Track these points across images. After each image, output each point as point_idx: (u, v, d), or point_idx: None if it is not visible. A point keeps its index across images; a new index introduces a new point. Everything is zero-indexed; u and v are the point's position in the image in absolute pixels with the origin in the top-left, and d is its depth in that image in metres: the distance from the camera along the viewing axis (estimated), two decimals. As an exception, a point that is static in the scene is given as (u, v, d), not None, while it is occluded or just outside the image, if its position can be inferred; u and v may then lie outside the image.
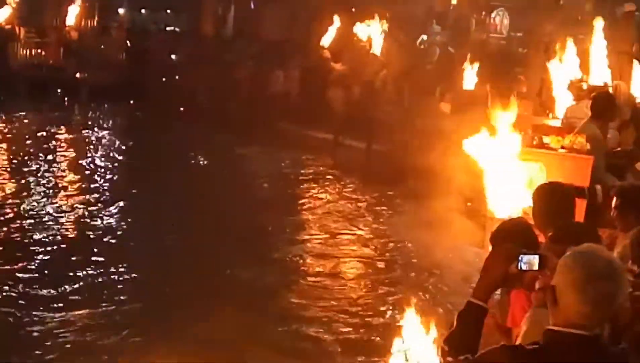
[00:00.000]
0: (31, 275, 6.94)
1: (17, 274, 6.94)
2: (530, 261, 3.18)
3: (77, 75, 16.51)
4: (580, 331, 2.82)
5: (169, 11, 21.77)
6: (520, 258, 3.17)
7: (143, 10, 21.99)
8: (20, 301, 6.45)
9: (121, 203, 9.19)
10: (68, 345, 5.79)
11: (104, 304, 6.49)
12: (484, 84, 12.12)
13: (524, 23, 14.58)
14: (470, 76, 12.50)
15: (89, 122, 14.37)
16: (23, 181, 9.90)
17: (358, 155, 12.38)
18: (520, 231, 4.55)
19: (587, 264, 2.85)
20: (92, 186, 10.00)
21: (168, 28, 21.12)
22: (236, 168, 11.10)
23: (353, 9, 17.12)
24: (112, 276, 7.02)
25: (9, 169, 10.53)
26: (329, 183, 11.13)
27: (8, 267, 7.12)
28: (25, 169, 10.54)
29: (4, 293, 6.56)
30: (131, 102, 15.45)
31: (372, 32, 15.74)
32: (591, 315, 2.83)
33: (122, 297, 6.61)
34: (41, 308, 6.29)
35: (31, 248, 7.61)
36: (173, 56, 17.36)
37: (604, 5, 15.09)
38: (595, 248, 2.95)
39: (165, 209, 8.85)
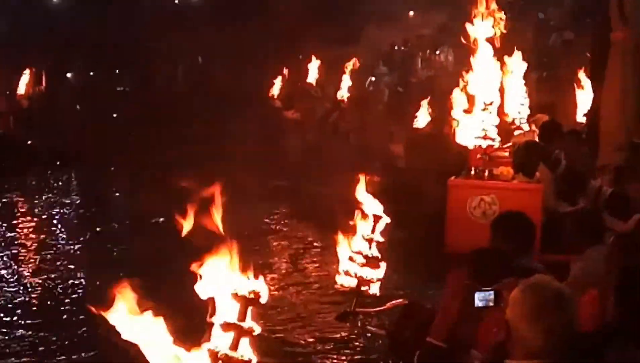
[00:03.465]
0: None
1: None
2: (486, 298, 3.23)
3: (29, 142, 16.43)
4: (537, 362, 2.89)
5: (117, 71, 21.85)
6: (476, 295, 3.22)
7: (92, 73, 22.02)
8: None
9: (80, 273, 9.10)
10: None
11: None
12: (436, 122, 12.32)
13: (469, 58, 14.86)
14: (422, 115, 12.69)
15: (43, 188, 14.26)
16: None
17: (316, 200, 12.40)
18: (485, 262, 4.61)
19: (537, 295, 2.93)
20: (50, 252, 9.88)
21: (118, 88, 21.15)
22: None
23: (300, 56, 17.37)
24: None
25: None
26: (286, 229, 11.12)
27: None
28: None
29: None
30: (85, 166, 15.41)
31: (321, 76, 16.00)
32: (546, 345, 2.90)
33: None
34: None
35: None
36: (114, 115, 17.46)
37: (543, 35, 15.51)
38: (544, 280, 3.04)
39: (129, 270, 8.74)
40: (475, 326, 3.65)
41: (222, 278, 3.64)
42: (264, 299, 3.61)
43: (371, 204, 7.42)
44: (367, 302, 7.28)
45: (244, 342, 3.57)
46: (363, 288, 7.32)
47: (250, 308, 3.56)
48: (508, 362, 2.97)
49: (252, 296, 3.57)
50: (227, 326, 3.53)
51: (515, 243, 5.16)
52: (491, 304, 3.21)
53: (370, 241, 7.34)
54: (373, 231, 7.36)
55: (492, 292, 3.20)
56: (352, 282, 7.41)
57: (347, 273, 7.50)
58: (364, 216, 7.43)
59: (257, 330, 3.58)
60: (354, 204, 7.58)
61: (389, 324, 6.39)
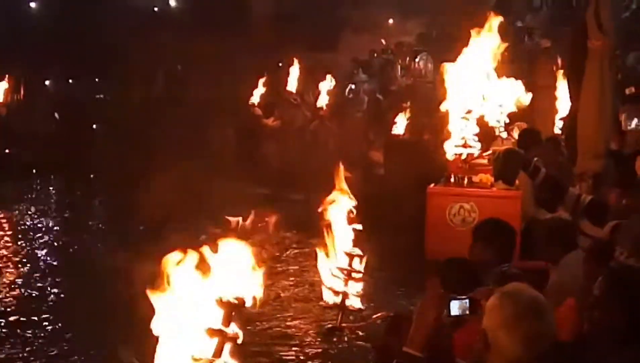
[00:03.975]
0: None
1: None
2: (462, 306, 3.21)
3: (7, 151, 16.31)
4: (516, 370, 2.88)
5: (97, 80, 21.74)
6: (451, 304, 3.20)
7: (70, 80, 21.90)
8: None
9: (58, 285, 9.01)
10: None
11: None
12: (415, 129, 12.34)
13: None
14: (400, 122, 12.71)
15: (22, 197, 14.16)
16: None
17: (297, 207, 12.37)
18: (462, 272, 4.61)
19: (513, 303, 2.93)
20: (27, 265, 9.78)
21: (97, 96, 21.05)
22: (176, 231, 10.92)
23: (279, 64, 17.38)
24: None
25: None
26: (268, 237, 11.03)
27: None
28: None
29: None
30: (63, 176, 15.34)
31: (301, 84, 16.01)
32: (523, 353, 2.90)
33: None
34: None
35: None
36: (94, 126, 17.43)
37: (521, 42, 15.60)
38: (520, 287, 3.04)
39: (102, 279, 8.65)
40: (452, 335, 3.64)
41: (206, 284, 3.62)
42: (250, 303, 3.58)
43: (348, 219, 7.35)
44: (352, 317, 7.26)
45: (228, 348, 3.55)
46: (347, 303, 7.26)
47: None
48: (485, 372, 2.97)
49: (236, 302, 3.54)
50: (211, 332, 3.51)
51: (495, 249, 5.19)
52: (467, 312, 3.20)
53: (350, 255, 7.28)
54: (353, 245, 7.30)
55: (467, 300, 3.19)
56: (336, 298, 7.34)
57: (330, 289, 7.41)
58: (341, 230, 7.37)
59: (241, 336, 3.56)
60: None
61: (375, 337, 6.37)
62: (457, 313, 3.18)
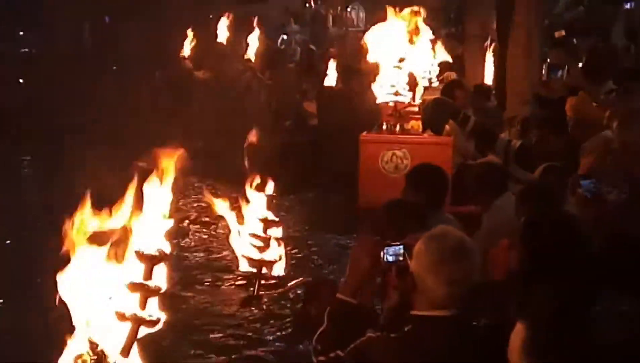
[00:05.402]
0: None
1: None
2: (396, 253, 3.22)
3: None
4: (441, 312, 2.93)
5: (22, 33, 21.11)
6: (385, 250, 3.21)
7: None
8: None
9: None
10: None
11: None
12: (347, 79, 12.29)
13: (380, 15, 14.89)
14: (332, 72, 12.66)
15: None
16: None
17: (233, 161, 12.23)
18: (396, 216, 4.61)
19: (439, 246, 2.96)
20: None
21: (23, 50, 20.47)
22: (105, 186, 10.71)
23: (210, 16, 17.10)
24: None
25: None
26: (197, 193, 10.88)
27: None
28: None
29: None
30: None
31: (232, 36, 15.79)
32: (448, 296, 2.95)
33: None
34: None
35: None
36: (21, 80, 16.96)
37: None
38: (445, 230, 3.07)
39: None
40: (385, 281, 3.67)
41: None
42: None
43: (262, 183, 7.02)
44: (270, 284, 6.88)
45: (152, 301, 3.53)
46: (265, 271, 6.85)
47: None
48: (413, 313, 3.00)
49: (157, 254, 3.53)
50: (133, 286, 3.49)
51: (427, 194, 5.22)
52: (401, 259, 3.20)
53: (265, 221, 6.80)
54: (267, 209, 6.87)
55: (402, 246, 3.20)
56: (253, 266, 6.87)
57: (245, 257, 6.95)
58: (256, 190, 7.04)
59: (164, 288, 3.55)
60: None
61: (295, 303, 6.27)
62: (391, 260, 3.19)
